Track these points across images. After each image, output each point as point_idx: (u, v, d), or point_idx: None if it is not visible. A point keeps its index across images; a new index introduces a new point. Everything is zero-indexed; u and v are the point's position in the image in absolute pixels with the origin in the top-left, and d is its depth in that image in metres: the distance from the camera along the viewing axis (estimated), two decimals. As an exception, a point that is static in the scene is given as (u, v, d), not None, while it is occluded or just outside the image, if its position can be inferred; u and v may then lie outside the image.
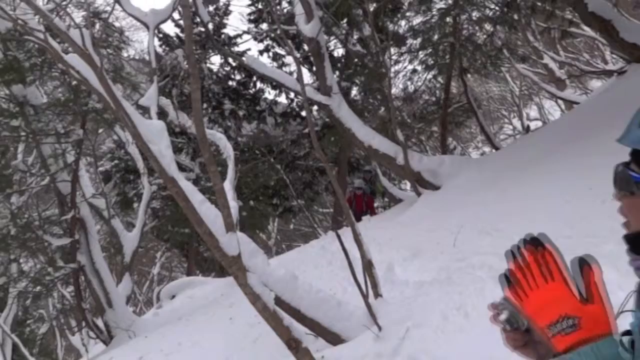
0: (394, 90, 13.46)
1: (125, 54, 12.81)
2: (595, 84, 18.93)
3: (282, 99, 16.50)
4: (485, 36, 12.85)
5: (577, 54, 19.18)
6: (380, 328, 4.06)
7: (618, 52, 11.04)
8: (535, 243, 0.87)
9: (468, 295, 4.03)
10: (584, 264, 0.82)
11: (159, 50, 15.34)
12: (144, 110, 8.11)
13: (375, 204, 13.08)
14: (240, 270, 3.53)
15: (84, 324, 10.83)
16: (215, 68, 16.59)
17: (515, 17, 11.39)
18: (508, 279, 0.89)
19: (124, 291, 10.85)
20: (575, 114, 10.72)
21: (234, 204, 8.45)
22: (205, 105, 15.95)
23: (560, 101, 19.50)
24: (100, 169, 15.59)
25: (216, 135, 10.05)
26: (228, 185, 8.77)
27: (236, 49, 16.15)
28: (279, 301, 4.43)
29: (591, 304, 0.80)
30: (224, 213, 3.66)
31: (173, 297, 11.30)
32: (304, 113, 16.20)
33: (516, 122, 23.66)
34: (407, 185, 17.51)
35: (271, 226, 21.51)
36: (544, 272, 0.84)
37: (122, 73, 10.35)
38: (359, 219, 10.75)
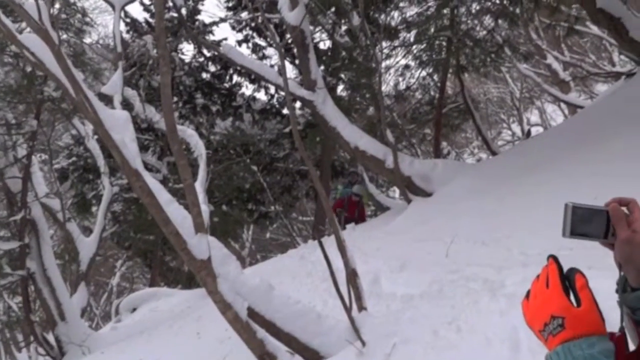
0: (384, 88, 13.50)
1: (88, 40, 12.68)
2: (602, 87, 19.26)
3: (261, 95, 16.51)
4: (485, 31, 12.99)
5: (582, 55, 19.51)
6: (364, 343, 4.05)
7: (627, 52, 11.23)
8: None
9: (461, 310, 4.05)
10: (575, 273, 0.96)
11: (126, 36, 15.22)
12: (108, 101, 8.05)
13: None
14: (209, 275, 3.50)
15: (32, 338, 10.63)
16: (187, 58, 16.52)
17: (517, 11, 11.54)
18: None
19: (79, 303, 10.68)
20: (579, 119, 10.88)
21: (204, 208, 8.38)
22: (175, 99, 15.86)
23: (563, 105, 19.81)
24: (56, 166, 15.39)
25: (187, 132, 9.98)
26: (199, 188, 8.69)
27: (211, 37, 16.11)
28: (252, 313, 4.40)
29: (579, 307, 0.92)
30: (193, 212, 3.62)
31: (134, 310, 11.16)
32: (285, 110, 16.20)
33: (515, 127, 23.95)
34: (396, 193, 17.62)
35: (245, 234, 21.43)
36: (546, 281, 0.97)
37: (83, 58, 10.24)
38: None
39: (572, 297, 0.94)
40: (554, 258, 0.99)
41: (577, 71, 17.63)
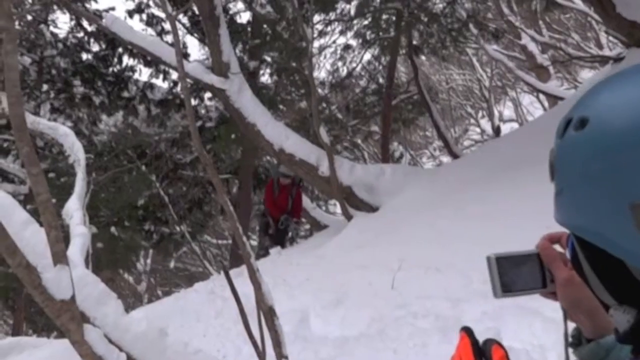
0: (319, 73, 13.59)
1: None
2: (587, 74, 20.03)
3: (160, 82, 16.23)
4: (444, 3, 13.24)
5: (564, 35, 20.20)
6: (281, 403, 4.02)
7: (614, 32, 11.73)
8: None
9: (405, 355, 4.09)
10: (492, 345, 0.99)
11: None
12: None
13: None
14: (73, 320, 3.37)
15: None
16: (62, 33, 16.10)
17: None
18: None
19: None
20: (559, 112, 11.26)
21: (83, 231, 8.16)
22: (45, 87, 15.42)
23: (542, 96, 20.47)
24: None
25: (59, 130, 9.67)
26: (76, 204, 8.46)
27: (93, 6, 15.76)
28: (138, 368, 4.29)
29: None
30: (50, 236, 3.48)
31: (-13, 368, 10.72)
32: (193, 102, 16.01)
33: (485, 124, 24.54)
34: (338, 207, 17.72)
35: (142, 264, 21.01)
36: None
37: None
38: (278, 229, 10.50)
39: None
40: (466, 331, 1.02)
41: (557, 54, 18.23)
